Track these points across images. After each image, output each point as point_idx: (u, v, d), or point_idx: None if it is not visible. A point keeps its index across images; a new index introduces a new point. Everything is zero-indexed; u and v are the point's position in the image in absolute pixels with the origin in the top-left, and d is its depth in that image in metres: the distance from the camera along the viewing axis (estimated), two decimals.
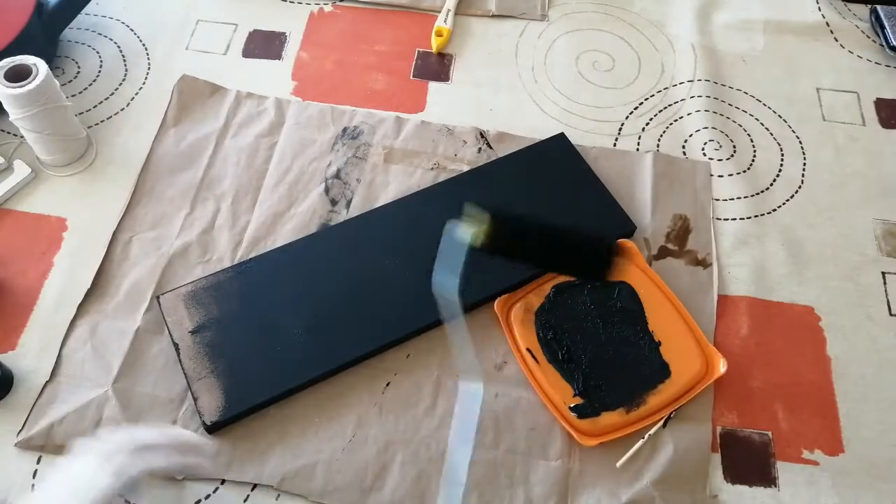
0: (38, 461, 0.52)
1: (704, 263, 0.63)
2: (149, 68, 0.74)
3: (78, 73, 0.74)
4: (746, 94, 0.75)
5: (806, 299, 0.62)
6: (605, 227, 0.63)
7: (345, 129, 0.70)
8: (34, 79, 0.60)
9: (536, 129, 0.71)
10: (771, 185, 0.69)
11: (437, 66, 0.76)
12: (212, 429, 0.53)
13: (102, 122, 0.70)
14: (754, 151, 0.71)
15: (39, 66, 0.60)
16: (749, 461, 0.54)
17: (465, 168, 0.68)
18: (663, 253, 0.64)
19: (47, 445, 0.52)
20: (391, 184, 0.67)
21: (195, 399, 0.53)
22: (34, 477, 0.51)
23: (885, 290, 0.63)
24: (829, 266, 0.64)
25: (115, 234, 0.62)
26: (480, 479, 0.52)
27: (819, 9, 0.82)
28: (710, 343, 0.58)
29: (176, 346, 0.55)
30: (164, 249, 0.62)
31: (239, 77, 0.74)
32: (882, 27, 0.79)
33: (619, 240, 0.62)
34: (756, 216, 0.67)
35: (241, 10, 0.79)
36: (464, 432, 0.48)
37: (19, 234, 0.62)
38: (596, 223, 0.63)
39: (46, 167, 0.66)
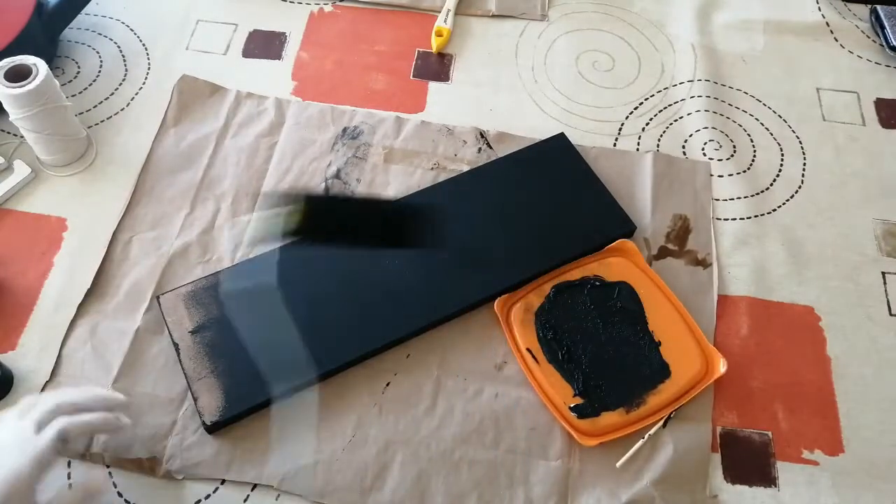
0: None
1: (704, 263, 0.63)
2: (149, 68, 0.74)
3: (78, 73, 0.74)
4: (746, 94, 0.75)
5: (806, 299, 0.62)
6: (605, 227, 0.63)
7: (345, 129, 0.70)
8: (34, 79, 0.60)
9: (536, 129, 0.71)
10: (771, 185, 0.69)
11: (437, 66, 0.76)
12: (212, 429, 0.53)
13: (102, 122, 0.70)
14: (754, 151, 0.71)
15: (39, 66, 0.60)
16: (749, 461, 0.54)
17: (465, 168, 0.68)
18: (663, 253, 0.64)
19: None
20: (391, 184, 0.67)
21: (195, 399, 0.53)
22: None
23: (885, 290, 0.63)
24: (829, 266, 0.64)
25: (115, 234, 0.62)
26: (480, 478, 0.52)
27: (819, 9, 0.82)
28: (710, 343, 0.58)
29: (176, 346, 0.55)
30: (164, 249, 0.62)
31: (239, 77, 0.74)
32: (882, 27, 0.79)
33: (620, 240, 0.62)
34: (756, 216, 0.67)
35: (241, 10, 0.80)
36: None
37: (19, 234, 0.62)
38: (596, 223, 0.63)
39: (46, 167, 0.66)
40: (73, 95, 0.72)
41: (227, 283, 0.58)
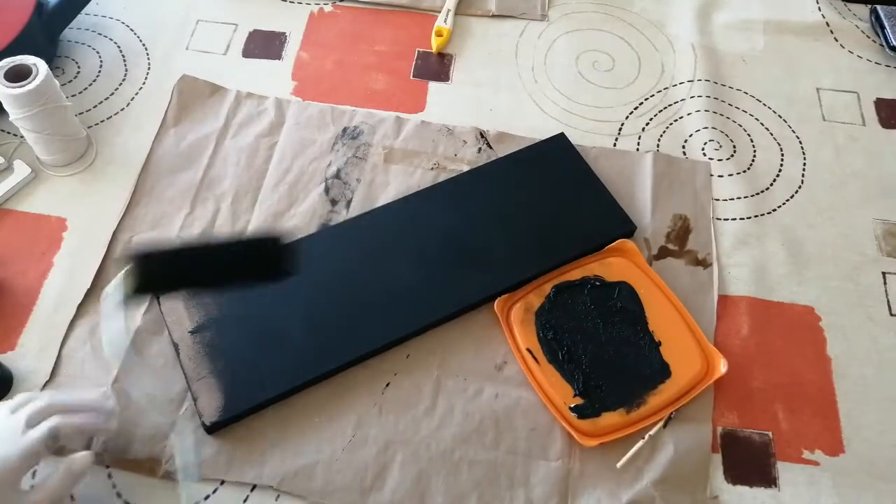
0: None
1: (704, 263, 0.63)
2: (149, 68, 0.74)
3: (78, 73, 0.74)
4: (746, 94, 0.75)
5: (806, 299, 0.62)
6: (606, 227, 0.63)
7: (345, 129, 0.70)
8: (34, 79, 0.60)
9: (536, 129, 0.71)
10: (771, 185, 0.69)
11: (437, 66, 0.76)
12: (212, 429, 0.52)
13: (102, 122, 0.70)
14: (754, 151, 0.71)
15: (39, 66, 0.60)
16: (749, 461, 0.54)
17: (465, 168, 0.68)
18: (663, 253, 0.64)
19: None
20: (391, 184, 0.67)
21: (195, 399, 0.53)
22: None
23: (886, 290, 0.63)
24: (830, 266, 0.64)
25: (115, 234, 0.62)
26: (480, 479, 0.52)
27: (819, 9, 0.82)
28: (711, 343, 0.58)
29: (175, 346, 0.55)
30: None
31: (239, 77, 0.74)
32: (882, 27, 0.79)
33: (620, 240, 0.62)
34: (756, 216, 0.67)
35: (241, 10, 0.79)
36: None
37: (19, 234, 0.62)
38: (596, 223, 0.63)
39: (46, 167, 0.66)
40: (73, 95, 0.72)
41: None
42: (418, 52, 0.77)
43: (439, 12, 0.79)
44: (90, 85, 0.73)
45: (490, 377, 0.57)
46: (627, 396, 0.55)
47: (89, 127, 0.69)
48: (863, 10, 0.82)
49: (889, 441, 0.55)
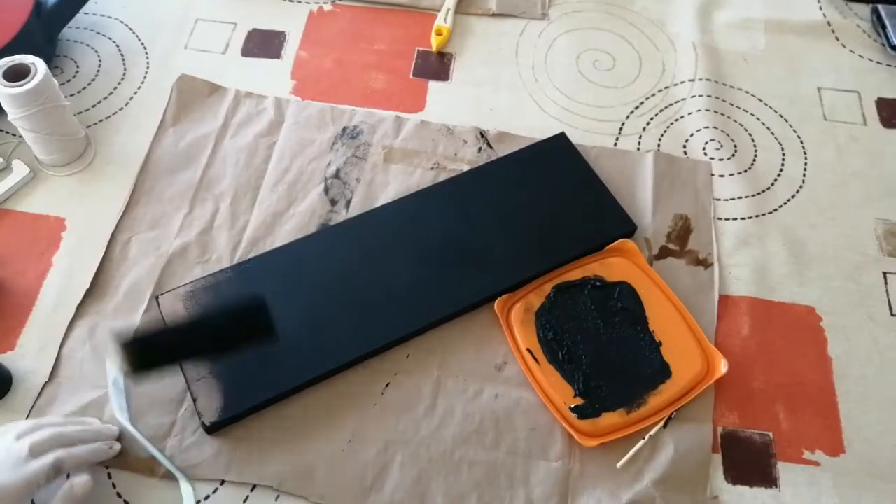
0: None
1: (705, 263, 0.63)
2: (147, 67, 0.74)
3: (76, 72, 0.73)
4: (748, 93, 0.75)
5: (807, 299, 0.62)
6: (606, 227, 0.63)
7: (344, 129, 0.70)
8: (33, 78, 0.59)
9: (537, 128, 0.70)
10: (772, 184, 0.69)
11: (436, 66, 0.76)
12: (211, 429, 0.52)
13: (101, 121, 0.70)
14: (755, 151, 0.71)
15: (38, 65, 0.60)
16: (750, 462, 0.54)
17: (465, 168, 0.67)
18: (664, 253, 0.64)
19: None
20: (391, 183, 0.67)
21: (194, 399, 0.53)
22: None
23: (887, 290, 0.62)
24: (831, 266, 0.64)
25: (113, 234, 0.62)
26: (480, 479, 0.52)
27: (820, 8, 0.82)
28: (711, 343, 0.58)
29: None
30: (163, 249, 0.62)
31: (238, 76, 0.74)
32: (883, 27, 0.79)
33: (620, 239, 0.62)
34: (757, 216, 0.66)
35: (240, 9, 0.79)
36: None
37: (18, 234, 0.62)
38: (596, 223, 0.63)
39: (45, 167, 0.66)
40: (71, 95, 0.71)
41: (226, 284, 0.58)
42: (418, 51, 0.77)
43: (439, 11, 0.79)
44: (89, 84, 0.72)
45: (490, 377, 0.57)
46: (628, 397, 0.55)
47: (88, 126, 0.69)
48: (864, 9, 0.82)
49: (890, 441, 0.55)
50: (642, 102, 0.74)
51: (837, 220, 0.67)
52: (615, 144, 0.71)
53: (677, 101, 0.74)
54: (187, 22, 0.78)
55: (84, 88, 0.72)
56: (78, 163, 0.67)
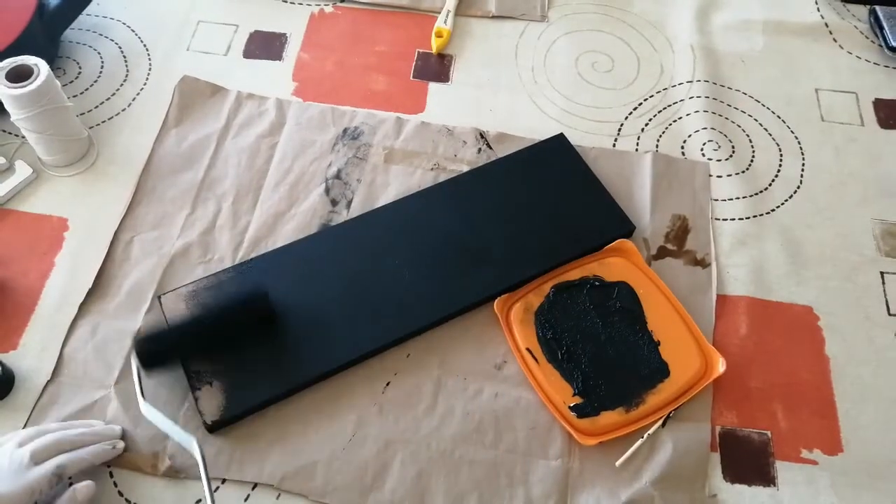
0: None
1: (703, 263, 0.63)
2: (150, 69, 0.74)
3: (79, 73, 0.74)
4: (745, 94, 0.75)
5: (805, 299, 0.62)
6: (605, 227, 0.63)
7: (345, 130, 0.70)
8: (35, 79, 0.60)
9: (536, 129, 0.71)
10: (770, 185, 0.69)
11: (437, 67, 0.76)
12: (212, 428, 0.53)
13: (103, 122, 0.70)
14: (753, 152, 0.71)
15: (41, 66, 0.61)
16: (748, 461, 0.54)
17: (465, 168, 0.68)
18: (662, 253, 0.64)
19: None
20: (391, 184, 0.67)
21: (196, 399, 0.53)
22: None
23: (884, 290, 0.63)
24: (828, 266, 0.64)
25: (116, 234, 0.63)
26: (480, 478, 0.53)
27: (818, 9, 0.82)
28: (709, 343, 0.58)
29: None
30: (166, 249, 0.62)
31: (240, 78, 0.74)
32: (881, 28, 0.79)
33: (619, 240, 0.62)
34: (755, 216, 0.67)
35: (242, 10, 0.80)
36: None
37: (21, 234, 0.63)
38: (595, 223, 0.63)
39: (48, 167, 0.67)
40: (74, 96, 0.72)
41: (228, 284, 0.59)
42: (418, 52, 0.77)
43: (439, 13, 0.79)
44: (91, 85, 0.73)
45: (490, 377, 0.57)
46: (626, 396, 0.55)
47: (90, 127, 0.69)
48: (862, 10, 0.82)
49: (887, 440, 0.55)
50: (641, 104, 0.74)
51: (835, 220, 0.67)
52: (614, 145, 0.71)
53: (675, 103, 0.74)
54: (189, 23, 0.78)
55: (87, 89, 0.72)
56: (80, 163, 0.67)
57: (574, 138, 0.70)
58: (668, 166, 0.69)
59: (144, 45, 0.76)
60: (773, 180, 0.69)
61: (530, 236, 0.62)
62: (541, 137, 0.69)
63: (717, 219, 0.66)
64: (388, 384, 0.56)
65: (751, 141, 0.72)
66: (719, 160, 0.70)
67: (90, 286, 0.59)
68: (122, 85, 0.73)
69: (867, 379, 0.58)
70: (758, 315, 0.61)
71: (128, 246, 0.62)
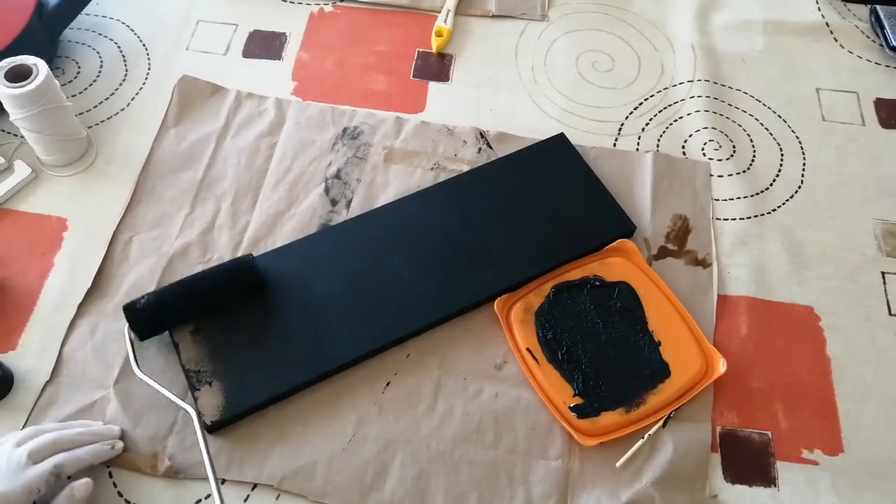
0: None
1: (704, 263, 0.63)
2: (149, 68, 0.74)
3: (78, 73, 0.74)
4: (746, 94, 0.75)
5: (806, 299, 0.62)
6: (605, 227, 0.63)
7: (345, 130, 0.70)
8: (34, 79, 0.60)
9: (536, 129, 0.71)
10: (771, 185, 0.69)
11: (437, 67, 0.76)
12: (212, 428, 0.53)
13: (103, 122, 0.70)
14: (754, 151, 0.71)
15: (40, 66, 0.60)
16: (749, 461, 0.54)
17: (465, 168, 0.68)
18: (663, 253, 0.64)
19: None
20: (391, 184, 0.67)
21: (195, 399, 0.53)
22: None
23: (885, 290, 0.63)
24: (829, 266, 0.64)
25: (115, 233, 0.63)
26: (480, 478, 0.52)
27: (819, 9, 0.82)
28: (710, 343, 0.58)
29: (176, 345, 0.55)
30: (165, 249, 0.62)
31: (239, 77, 0.74)
32: (882, 27, 0.79)
33: (620, 239, 0.62)
34: (756, 216, 0.67)
35: (242, 10, 0.80)
36: None
37: (20, 234, 0.62)
38: (596, 223, 0.63)
39: (47, 167, 0.66)
40: (73, 95, 0.72)
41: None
42: (418, 52, 0.77)
43: (439, 12, 0.79)
44: (90, 85, 0.73)
45: (490, 377, 0.57)
46: (627, 396, 0.55)
47: (89, 127, 0.69)
48: (862, 10, 0.82)
49: (888, 440, 0.55)
50: (641, 103, 0.74)
51: (836, 220, 0.67)
52: (614, 145, 0.71)
53: (676, 102, 0.74)
54: (188, 23, 0.78)
55: (86, 89, 0.72)
56: (79, 163, 0.67)
57: (574, 138, 0.69)
58: (668, 166, 0.69)
59: (144, 45, 0.76)
60: (774, 180, 0.69)
61: (530, 236, 0.62)
62: (541, 137, 0.69)
63: (717, 219, 0.66)
64: (388, 384, 0.56)
65: (752, 141, 0.72)
66: (720, 160, 0.70)
67: (89, 286, 0.59)
68: (121, 84, 0.73)
69: (868, 379, 0.58)
70: (759, 315, 0.61)
71: (127, 246, 0.62)
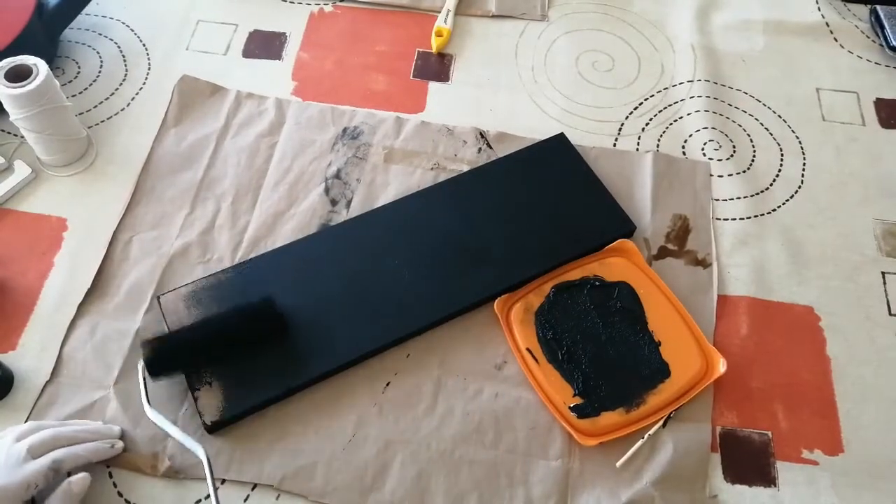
0: None
1: (704, 263, 0.63)
2: (149, 68, 0.74)
3: (78, 73, 0.74)
4: (746, 94, 0.75)
5: (806, 299, 0.62)
6: (605, 227, 0.63)
7: (345, 130, 0.70)
8: (34, 79, 0.60)
9: (536, 129, 0.71)
10: (771, 185, 0.69)
11: (437, 67, 0.76)
12: (212, 428, 0.53)
13: (103, 122, 0.70)
14: (754, 151, 0.71)
15: (40, 66, 0.60)
16: (749, 461, 0.54)
17: (465, 168, 0.68)
18: (663, 253, 0.64)
19: None
20: (391, 184, 0.67)
21: (195, 399, 0.53)
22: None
23: (885, 290, 0.63)
24: (829, 266, 0.64)
25: (115, 233, 0.62)
26: (480, 478, 0.52)
27: (819, 9, 0.82)
28: (710, 343, 0.58)
29: None
30: (165, 249, 0.62)
31: (239, 77, 0.74)
32: (882, 27, 0.79)
33: (620, 239, 0.62)
34: (756, 216, 0.67)
35: (242, 10, 0.80)
36: None
37: (20, 234, 0.62)
38: (596, 223, 0.63)
39: (47, 167, 0.66)
40: (73, 95, 0.72)
41: (228, 284, 0.58)
42: (418, 52, 0.77)
43: (439, 12, 0.79)
44: (90, 85, 0.73)
45: (490, 377, 0.57)
46: (627, 396, 0.55)
47: (89, 127, 0.69)
48: (862, 10, 0.82)
49: (888, 440, 0.55)
50: (641, 103, 0.74)
51: (836, 220, 0.67)
52: (614, 145, 0.71)
53: (676, 102, 0.74)
54: (188, 23, 0.78)
55: (86, 89, 0.72)
56: (79, 163, 0.67)
57: (574, 138, 0.69)
58: (668, 166, 0.69)
59: (144, 45, 0.76)
60: (774, 180, 0.69)
61: (530, 236, 0.62)
62: (541, 137, 0.69)
63: (717, 219, 0.66)
64: (388, 384, 0.56)
65: (752, 141, 0.72)
66: (720, 160, 0.70)
67: (89, 286, 0.59)
68: (121, 84, 0.73)
69: (868, 379, 0.58)
70: (759, 315, 0.61)
71: (127, 246, 0.62)
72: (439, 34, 0.77)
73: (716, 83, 0.76)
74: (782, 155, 0.71)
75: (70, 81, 0.73)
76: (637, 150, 0.71)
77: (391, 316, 0.58)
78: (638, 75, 0.77)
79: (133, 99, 0.72)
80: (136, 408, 0.54)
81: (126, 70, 0.74)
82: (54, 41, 0.74)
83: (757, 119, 0.73)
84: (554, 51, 0.78)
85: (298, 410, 0.54)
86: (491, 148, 0.70)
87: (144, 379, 0.53)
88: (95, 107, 0.71)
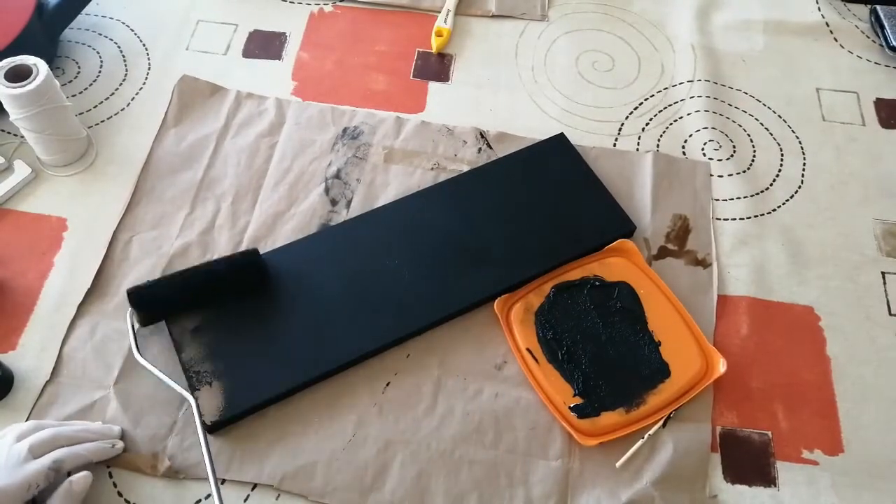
0: None
1: (704, 263, 0.63)
2: (149, 68, 0.74)
3: (78, 73, 0.74)
4: (746, 94, 0.75)
5: (806, 299, 0.62)
6: (605, 227, 0.63)
7: (345, 130, 0.70)
8: (34, 79, 0.60)
9: (536, 129, 0.71)
10: (771, 185, 0.69)
11: (437, 67, 0.76)
12: (212, 429, 0.53)
13: (103, 122, 0.70)
14: (754, 151, 0.71)
15: (40, 66, 0.60)
16: (749, 461, 0.54)
17: (465, 168, 0.68)
18: (663, 253, 0.64)
19: None
20: (391, 184, 0.67)
21: (195, 399, 0.53)
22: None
23: (885, 290, 0.63)
24: (829, 266, 0.64)
25: (115, 233, 0.62)
26: (480, 478, 0.52)
27: (819, 9, 0.82)
28: (710, 343, 0.58)
29: (177, 345, 0.55)
30: (165, 249, 0.62)
31: (239, 77, 0.74)
32: (882, 27, 0.79)
33: (620, 239, 0.62)
34: (756, 216, 0.67)
35: (242, 10, 0.80)
36: None
37: (19, 234, 0.62)
38: (596, 223, 0.63)
39: (47, 167, 0.66)
40: (73, 95, 0.72)
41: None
42: (418, 52, 0.77)
43: (439, 12, 0.79)
44: (90, 85, 0.73)
45: (490, 377, 0.57)
46: (627, 396, 0.55)
47: (89, 127, 0.69)
48: (862, 10, 0.82)
49: (888, 440, 0.55)
50: (641, 103, 0.74)
51: (836, 220, 0.67)
52: (614, 145, 0.71)
53: (676, 102, 0.74)
54: (188, 23, 0.78)
55: (86, 89, 0.72)
56: (79, 163, 0.67)
57: (574, 138, 0.69)
58: (668, 166, 0.69)
59: (143, 45, 0.76)
60: (774, 180, 0.69)
61: (530, 236, 0.62)
62: (541, 137, 0.69)
63: (717, 219, 0.66)
64: (388, 384, 0.56)
65: (752, 141, 0.72)
66: (720, 160, 0.70)
67: (89, 286, 0.59)
68: (121, 84, 0.73)
69: (868, 379, 0.58)
70: (759, 315, 0.61)
71: (127, 246, 0.62)
72: (439, 34, 0.77)
73: (716, 83, 0.76)
74: (782, 155, 0.71)
75: (70, 81, 0.73)
76: (637, 150, 0.71)
77: (391, 316, 0.58)
78: (638, 75, 0.77)
79: (133, 99, 0.72)
80: (136, 408, 0.54)
81: (126, 70, 0.74)
82: (54, 41, 0.74)
83: (757, 119, 0.73)
84: (554, 51, 0.78)
85: (298, 410, 0.54)
86: (491, 148, 0.70)
87: (133, 326, 0.54)
88: (95, 107, 0.71)
